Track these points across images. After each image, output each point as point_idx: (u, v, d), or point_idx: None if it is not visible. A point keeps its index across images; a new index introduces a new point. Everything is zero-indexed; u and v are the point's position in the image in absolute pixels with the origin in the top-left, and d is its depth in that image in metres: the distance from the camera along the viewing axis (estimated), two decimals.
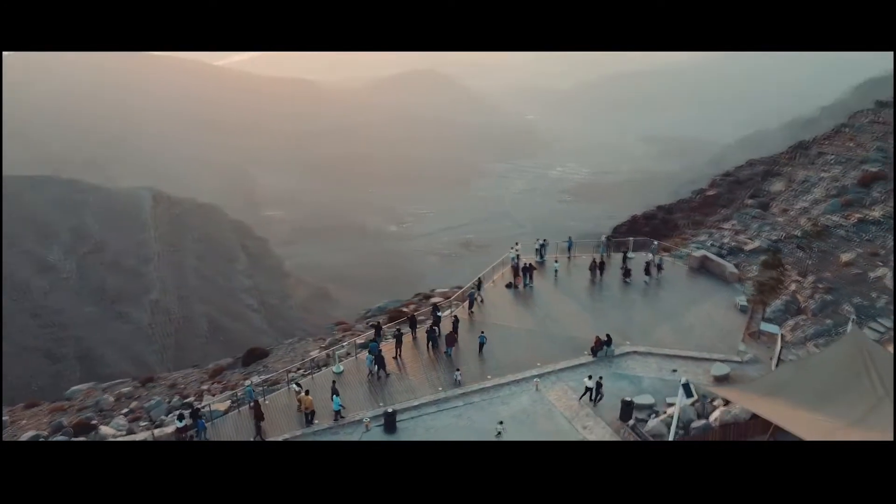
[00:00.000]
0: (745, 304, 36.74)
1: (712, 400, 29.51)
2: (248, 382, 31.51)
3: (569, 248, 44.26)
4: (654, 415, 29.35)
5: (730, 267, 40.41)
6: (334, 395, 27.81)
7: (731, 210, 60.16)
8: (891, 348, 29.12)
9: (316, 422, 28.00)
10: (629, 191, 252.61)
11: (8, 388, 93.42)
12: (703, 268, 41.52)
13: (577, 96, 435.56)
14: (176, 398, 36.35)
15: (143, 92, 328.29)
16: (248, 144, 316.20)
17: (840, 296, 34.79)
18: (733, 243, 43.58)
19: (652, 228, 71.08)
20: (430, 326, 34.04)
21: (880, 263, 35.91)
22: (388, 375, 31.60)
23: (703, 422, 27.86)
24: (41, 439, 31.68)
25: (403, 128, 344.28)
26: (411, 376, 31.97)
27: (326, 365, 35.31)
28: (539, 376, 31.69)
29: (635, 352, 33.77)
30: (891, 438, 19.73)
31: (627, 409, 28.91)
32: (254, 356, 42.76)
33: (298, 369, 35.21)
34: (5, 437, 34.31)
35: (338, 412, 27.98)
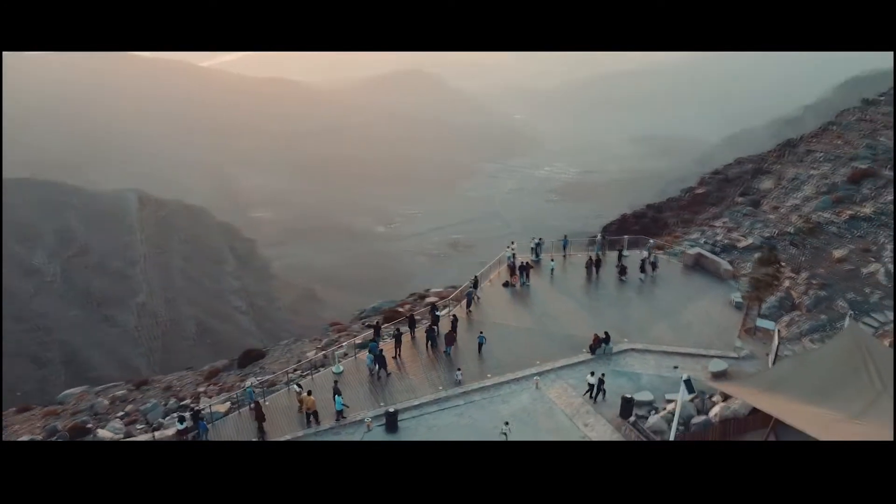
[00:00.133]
0: (741, 300, 37.03)
1: (711, 396, 29.77)
2: (248, 384, 31.36)
3: (564, 247, 44.39)
4: (653, 411, 29.52)
5: (724, 264, 40.70)
6: (336, 395, 27.73)
7: (721, 208, 60.58)
8: (886, 342, 29.48)
9: (319, 421, 27.91)
10: (616, 190, 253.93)
11: None
12: (697, 265, 41.81)
13: (564, 96, 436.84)
14: (172, 401, 36.08)
15: (127, 93, 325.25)
16: (234, 145, 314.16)
17: (834, 292, 35.16)
18: (726, 241, 43.92)
19: (642, 227, 71.47)
20: (430, 326, 34.05)
21: (872, 259, 36.33)
22: (388, 375, 31.57)
23: (703, 417, 28.08)
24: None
25: (391, 128, 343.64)
26: (411, 376, 31.96)
27: (324, 365, 35.22)
28: (539, 374, 31.82)
29: (633, 349, 33.96)
30: (890, 431, 19.94)
31: (627, 405, 29.09)
32: (250, 357, 42.52)
33: (296, 370, 35.06)
34: None
35: (340, 412, 27.90)
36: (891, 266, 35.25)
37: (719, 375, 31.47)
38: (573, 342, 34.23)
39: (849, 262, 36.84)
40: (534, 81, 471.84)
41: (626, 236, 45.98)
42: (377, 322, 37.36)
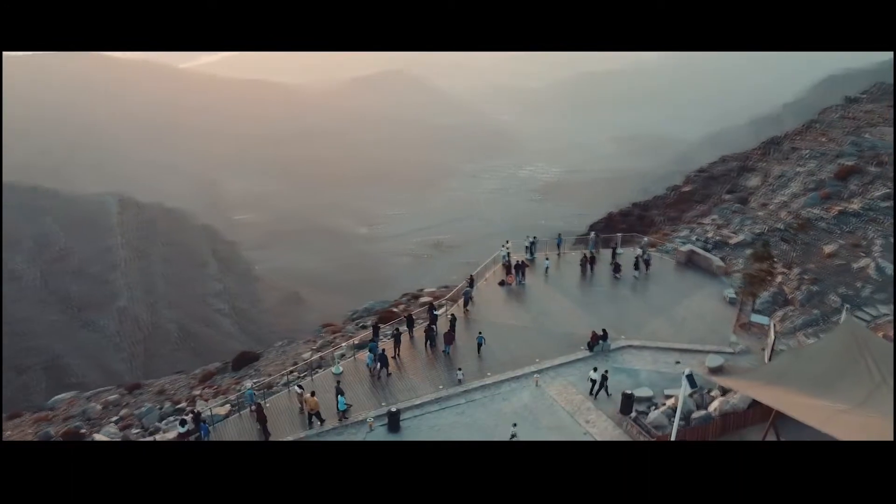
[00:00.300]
0: (734, 296, 37.43)
1: (709, 391, 30.07)
2: (248, 386, 31.11)
3: (558, 245, 44.60)
4: (653, 407, 29.73)
5: (716, 261, 41.11)
6: (339, 396, 27.63)
7: (708, 205, 61.29)
8: (881, 335, 29.97)
9: (324, 420, 27.79)
10: (598, 189, 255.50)
11: None
12: (690, 262, 42.19)
13: (546, 96, 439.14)
14: (168, 404, 35.68)
15: (105, 95, 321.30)
16: (216, 148, 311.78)
17: (826, 286, 35.67)
18: (717, 237, 44.37)
19: (628, 225, 72.04)
20: (428, 325, 34.03)
21: (863, 254, 36.90)
22: (388, 375, 31.51)
23: (703, 412, 28.32)
24: None
25: (374, 129, 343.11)
26: (411, 375, 31.90)
27: (320, 367, 35.05)
28: (538, 372, 31.88)
29: (630, 345, 34.18)
30: (891, 421, 20.24)
31: (628, 401, 29.27)
32: (244, 360, 42.17)
33: (292, 371, 34.86)
34: None
35: (343, 412, 27.79)
36: (881, 261, 35.82)
37: (716, 370, 31.78)
38: (571, 340, 34.37)
39: (839, 257, 37.39)
40: (516, 81, 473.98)
41: (619, 234, 46.29)
42: (376, 322, 37.20)
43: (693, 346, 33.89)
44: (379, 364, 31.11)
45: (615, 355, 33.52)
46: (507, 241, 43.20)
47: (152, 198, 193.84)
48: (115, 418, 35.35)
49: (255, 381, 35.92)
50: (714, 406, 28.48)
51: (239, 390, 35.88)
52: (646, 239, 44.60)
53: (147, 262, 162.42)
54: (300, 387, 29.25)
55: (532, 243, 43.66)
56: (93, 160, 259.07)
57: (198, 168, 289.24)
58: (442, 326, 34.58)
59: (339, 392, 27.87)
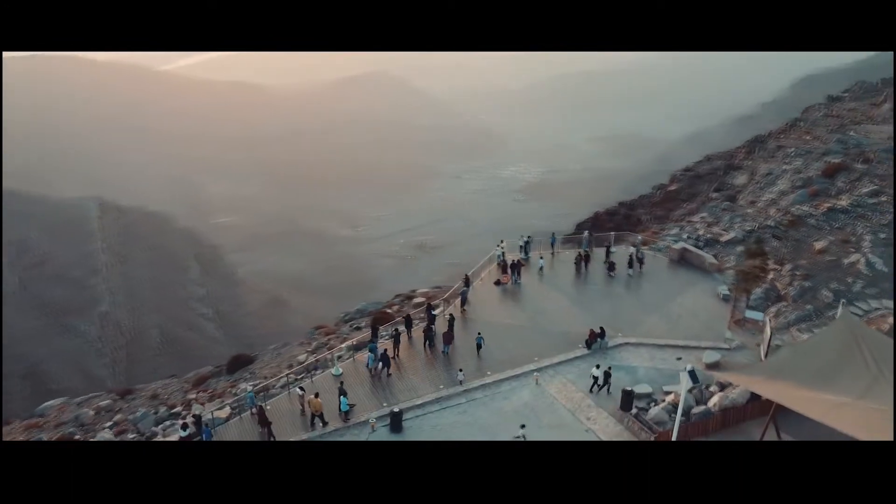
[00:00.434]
0: (727, 292, 37.83)
1: (708, 386, 30.38)
2: (248, 389, 30.86)
3: (552, 245, 44.83)
4: (653, 403, 29.97)
5: (709, 258, 41.54)
6: (342, 396, 27.53)
7: (696, 204, 61.91)
8: (875, 328, 30.46)
9: (326, 423, 27.69)
10: (581, 189, 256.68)
11: None
12: (682, 259, 42.56)
13: (527, 97, 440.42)
14: (163, 409, 35.28)
15: (83, 98, 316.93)
16: (196, 151, 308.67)
17: (817, 282, 36.19)
18: (709, 235, 44.85)
19: (615, 224, 72.52)
20: (427, 325, 34.03)
21: (853, 250, 37.51)
22: (389, 375, 31.46)
23: (702, 407, 28.61)
24: None
25: (356, 131, 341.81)
26: (411, 375, 31.88)
27: (317, 368, 34.91)
28: (538, 370, 32.00)
29: (628, 343, 34.43)
30: (890, 413, 20.57)
31: (628, 398, 29.45)
32: (239, 363, 41.83)
33: (289, 374, 34.64)
34: None
35: (346, 413, 27.69)
36: (871, 256, 36.43)
37: (713, 366, 32.10)
38: (569, 338, 34.53)
39: (829, 253, 37.98)
40: (496, 82, 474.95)
41: (612, 233, 46.60)
42: (374, 323, 37.11)
43: (689, 343, 34.19)
44: (381, 364, 31.03)
45: (613, 353, 33.73)
46: (502, 241, 43.33)
47: (133, 201, 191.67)
48: (108, 424, 34.87)
49: (252, 383, 35.62)
50: (713, 401, 28.77)
51: (235, 394, 35.63)
52: (640, 237, 44.93)
53: (128, 267, 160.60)
54: (301, 388, 29.09)
55: (527, 242, 43.81)
56: (71, 164, 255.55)
57: (179, 171, 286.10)
58: (440, 327, 34.58)
59: (342, 393, 27.75)
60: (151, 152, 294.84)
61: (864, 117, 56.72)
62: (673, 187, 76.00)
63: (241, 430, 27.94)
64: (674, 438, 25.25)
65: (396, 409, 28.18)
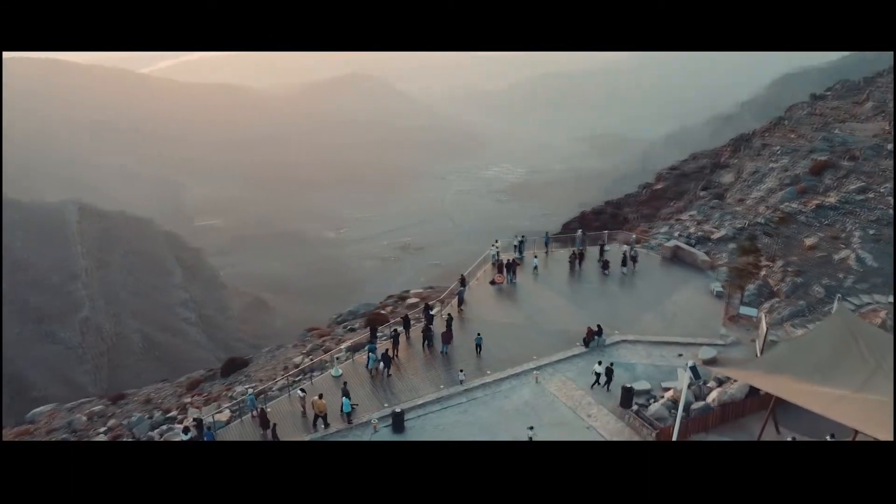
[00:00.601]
0: (721, 289, 38.22)
1: (706, 382, 30.68)
2: (250, 392, 30.63)
3: (546, 244, 45.03)
4: (652, 400, 30.19)
5: (701, 255, 41.94)
6: (344, 397, 27.44)
7: (684, 202, 62.45)
8: (869, 322, 30.94)
9: (328, 424, 27.58)
10: (564, 189, 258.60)
11: None
12: (675, 257, 42.94)
13: (509, 97, 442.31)
14: (158, 413, 34.86)
15: (63, 101, 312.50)
16: (178, 154, 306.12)
17: (809, 278, 36.70)
18: (700, 233, 45.27)
19: (601, 223, 72.91)
20: (426, 326, 34.03)
21: (842, 246, 38.10)
22: (389, 375, 31.41)
23: (701, 403, 28.87)
24: None
25: (338, 132, 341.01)
26: (411, 376, 31.83)
27: (313, 370, 34.74)
28: (537, 369, 32.11)
29: (625, 340, 34.66)
30: (890, 404, 20.91)
31: (628, 395, 29.68)
32: (234, 366, 41.49)
33: (287, 376, 34.46)
34: None
35: (348, 414, 27.60)
36: (860, 252, 37.03)
37: (709, 362, 32.42)
38: (566, 336, 34.68)
39: (820, 249, 38.54)
40: (478, 83, 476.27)
41: (605, 231, 46.90)
42: (373, 324, 37.00)
43: (685, 340, 34.51)
44: (382, 364, 30.99)
45: (610, 350, 33.92)
46: (497, 241, 43.45)
47: (113, 205, 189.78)
48: (103, 429, 34.37)
49: (249, 386, 35.36)
50: (712, 397, 29.05)
51: (232, 397, 35.35)
52: (634, 236, 45.26)
53: (109, 272, 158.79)
54: (302, 390, 28.94)
55: (521, 242, 43.95)
56: (50, 167, 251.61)
57: (160, 174, 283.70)
58: (438, 327, 34.57)
59: (346, 394, 27.65)
60: (133, 155, 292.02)
61: (847, 115, 57.63)
62: (659, 186, 76.57)
63: (242, 432, 27.72)
64: (675, 434, 25.49)
65: (398, 410, 28.13)
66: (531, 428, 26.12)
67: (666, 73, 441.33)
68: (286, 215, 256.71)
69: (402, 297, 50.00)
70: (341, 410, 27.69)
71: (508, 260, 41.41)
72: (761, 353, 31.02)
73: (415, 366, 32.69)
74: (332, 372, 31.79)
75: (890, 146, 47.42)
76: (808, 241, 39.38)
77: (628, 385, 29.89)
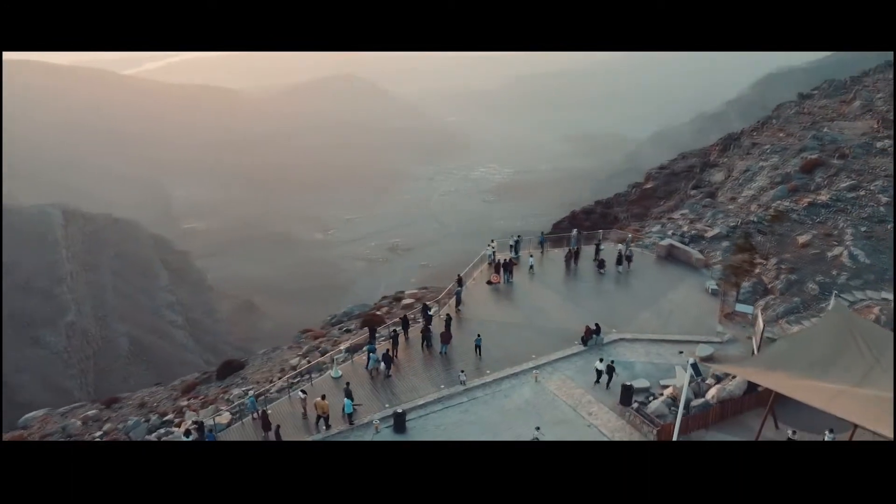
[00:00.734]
0: (716, 287, 38.54)
1: (705, 379, 30.91)
2: (250, 394, 30.48)
3: (541, 244, 45.18)
4: (651, 397, 30.39)
5: (696, 254, 42.24)
6: (346, 398, 27.40)
7: (675, 201, 62.87)
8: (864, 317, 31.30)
9: (330, 426, 27.53)
10: (551, 189, 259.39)
11: None
12: (669, 256, 43.21)
13: (494, 98, 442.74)
14: (154, 417, 34.56)
15: (46, 103, 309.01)
16: (163, 156, 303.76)
17: (803, 275, 37.07)
18: (693, 231, 45.59)
19: (592, 223, 73.23)
20: (425, 326, 34.05)
21: (835, 243, 38.53)
22: (389, 376, 31.40)
23: (701, 400, 29.09)
24: None
25: (324, 134, 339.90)
26: (411, 376, 31.83)
27: (311, 372, 34.62)
28: (536, 368, 32.21)
29: (623, 339, 34.85)
30: (890, 397, 21.18)
31: (627, 393, 29.86)
32: (229, 368, 41.25)
33: (283, 378, 34.34)
34: None
35: (350, 415, 27.55)
36: (853, 249, 37.47)
37: (706, 360, 32.66)
38: (564, 335, 34.80)
39: (813, 246, 38.94)
40: (464, 84, 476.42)
41: (600, 230, 47.12)
42: (370, 325, 36.95)
43: (682, 337, 34.74)
44: (383, 364, 30.96)
45: (608, 348, 34.09)
46: (493, 241, 43.55)
47: (99, 208, 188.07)
48: (98, 433, 34.04)
49: (246, 388, 35.18)
50: (711, 393, 29.26)
51: (229, 399, 35.17)
52: (629, 235, 45.52)
53: (95, 275, 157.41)
54: (303, 392, 28.84)
55: (517, 242, 44.05)
56: (34, 170, 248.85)
57: (146, 176, 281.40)
58: (437, 327, 34.59)
59: (348, 395, 27.59)
60: (118, 157, 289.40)
61: (835, 114, 58.31)
62: (649, 185, 76.99)
63: (243, 435, 27.59)
64: (676, 431, 25.67)
65: (400, 410, 28.12)
66: (538, 428, 26.17)
67: (650, 73, 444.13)
68: (273, 217, 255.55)
69: (398, 298, 49.94)
70: (343, 411, 27.63)
71: (505, 260, 41.50)
72: (758, 349, 31.30)
73: (414, 366, 32.68)
74: (332, 373, 31.72)
75: (879, 144, 48.09)
76: (802, 239, 39.78)
77: (628, 383, 30.07)
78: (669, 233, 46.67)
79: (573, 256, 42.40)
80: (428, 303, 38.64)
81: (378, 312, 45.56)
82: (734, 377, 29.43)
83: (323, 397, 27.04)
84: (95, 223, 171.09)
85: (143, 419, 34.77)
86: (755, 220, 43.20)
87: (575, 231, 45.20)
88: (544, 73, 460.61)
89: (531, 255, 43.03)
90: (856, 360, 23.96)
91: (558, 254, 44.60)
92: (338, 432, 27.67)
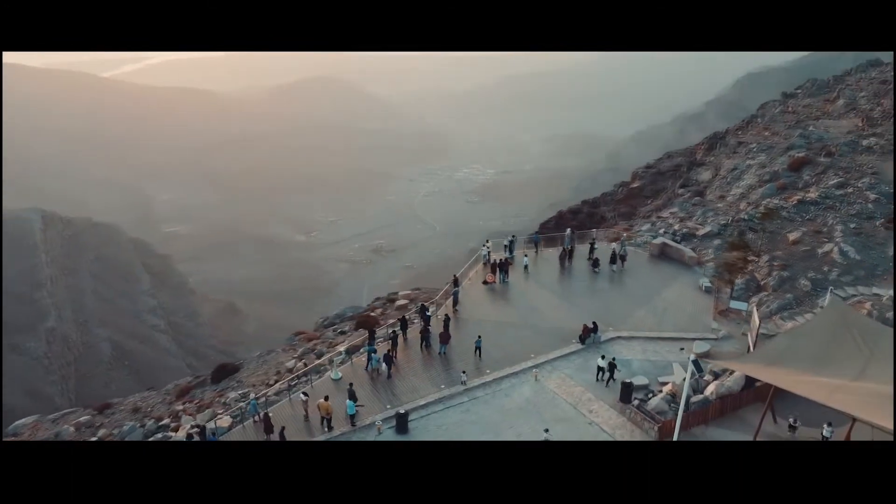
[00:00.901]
0: (709, 284, 38.91)
1: (703, 375, 31.19)
2: (252, 396, 30.26)
3: (536, 243, 45.36)
4: (650, 394, 30.58)
5: (688, 252, 42.62)
6: (349, 399, 27.30)
7: (662, 200, 63.36)
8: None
9: (332, 427, 27.41)
10: (533, 189, 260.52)
11: None
12: (662, 254, 43.57)
13: (477, 98, 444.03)
14: (150, 422, 34.18)
15: (24, 106, 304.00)
16: (143, 159, 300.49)
17: (795, 272, 37.55)
18: (684, 229, 45.97)
19: (578, 222, 73.49)
20: (424, 327, 34.03)
21: (825, 240, 39.10)
22: (390, 377, 31.34)
23: (700, 396, 29.33)
24: None
25: (307, 136, 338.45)
26: (411, 377, 31.79)
27: (309, 374, 34.42)
28: (536, 367, 32.31)
29: (619, 337, 35.06)
30: (889, 392, 21.51)
31: (627, 390, 30.03)
32: (224, 372, 40.86)
33: (288, 380, 34.11)
34: None
35: (352, 416, 27.46)
36: (843, 245, 38.05)
37: (703, 356, 32.96)
38: (561, 334, 34.96)
39: (803, 243, 39.46)
40: (447, 85, 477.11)
41: (594, 230, 47.38)
42: (367, 327, 36.85)
43: (678, 335, 35.04)
44: (384, 365, 30.91)
45: (606, 347, 34.27)
46: (488, 241, 43.65)
47: (78, 212, 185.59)
48: (94, 439, 33.59)
49: (250, 390, 34.95)
50: (710, 389, 29.49)
51: (225, 403, 34.87)
52: (624, 234, 45.81)
53: (75, 280, 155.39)
54: (305, 394, 28.69)
55: (511, 242, 44.18)
56: (11, 174, 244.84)
57: (125, 180, 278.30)
58: (435, 327, 34.58)
59: (351, 396, 27.49)
60: (97, 161, 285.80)
61: (820, 112, 59.18)
62: (636, 184, 77.46)
63: (244, 438, 27.35)
64: (677, 427, 25.87)
65: (402, 411, 28.06)
66: (547, 430, 26.23)
67: (630, 74, 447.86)
68: (255, 220, 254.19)
69: (391, 300, 49.84)
70: (346, 413, 27.53)
71: (500, 260, 41.59)
72: (754, 346, 31.65)
73: (414, 367, 32.66)
74: (332, 375, 31.59)
75: (865, 142, 48.93)
76: (792, 236, 40.31)
77: (628, 380, 30.25)
78: (661, 231, 47.01)
79: (567, 256, 42.60)
80: (426, 303, 38.62)
81: (372, 314, 45.40)
82: (732, 373, 29.75)
83: (326, 399, 26.93)
84: (74, 227, 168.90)
85: (139, 424, 34.35)
86: (745, 217, 43.71)
87: (569, 230, 45.42)
88: (526, 74, 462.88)
89: (525, 255, 43.17)
90: (853, 355, 24.30)
91: (552, 253, 44.78)
92: (340, 433, 27.56)
